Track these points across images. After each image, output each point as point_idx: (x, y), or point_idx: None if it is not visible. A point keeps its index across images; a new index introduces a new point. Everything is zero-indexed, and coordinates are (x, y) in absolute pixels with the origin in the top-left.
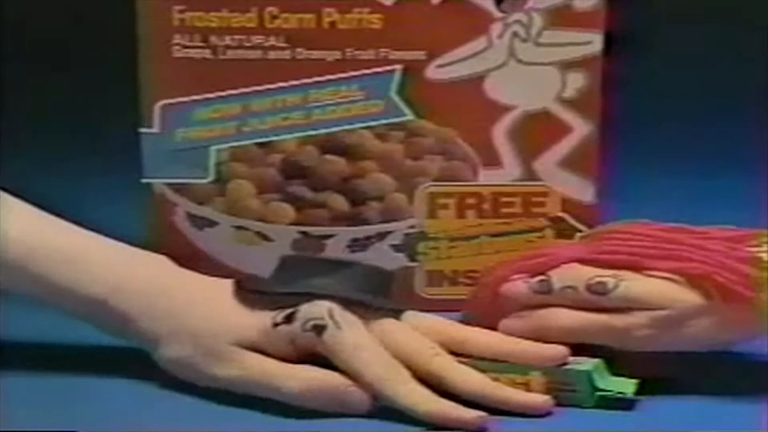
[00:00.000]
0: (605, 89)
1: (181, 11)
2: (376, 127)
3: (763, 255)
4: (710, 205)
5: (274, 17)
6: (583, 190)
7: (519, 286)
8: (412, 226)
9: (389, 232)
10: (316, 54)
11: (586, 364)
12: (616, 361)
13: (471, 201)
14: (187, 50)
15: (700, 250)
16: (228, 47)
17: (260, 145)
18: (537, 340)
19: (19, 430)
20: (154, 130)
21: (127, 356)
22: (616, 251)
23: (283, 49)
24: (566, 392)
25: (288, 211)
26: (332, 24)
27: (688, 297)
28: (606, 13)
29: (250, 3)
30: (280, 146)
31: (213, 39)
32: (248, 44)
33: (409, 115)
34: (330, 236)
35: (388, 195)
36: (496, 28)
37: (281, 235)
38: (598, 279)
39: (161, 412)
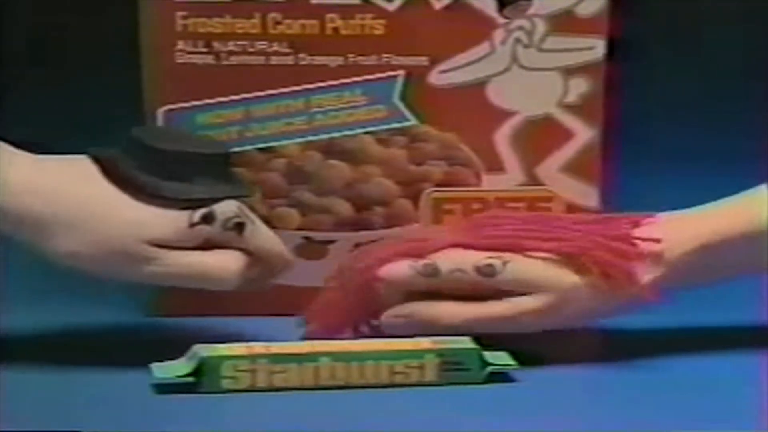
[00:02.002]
0: (608, 95)
1: (184, 17)
2: (379, 133)
3: (636, 231)
4: None
5: (277, 23)
6: (586, 195)
7: (402, 268)
8: None
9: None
10: (319, 60)
11: (463, 341)
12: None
13: (476, 206)
14: (190, 56)
15: (575, 230)
16: (231, 53)
17: (263, 150)
18: (423, 330)
19: (18, 430)
20: None
21: (124, 354)
22: (497, 235)
23: (286, 54)
24: (458, 371)
25: (293, 216)
26: (335, 30)
27: (568, 274)
28: (608, 19)
29: (253, 9)
30: (283, 151)
31: (216, 45)
32: (251, 50)
33: (412, 121)
34: (334, 241)
35: (392, 200)
36: (498, 34)
37: (286, 240)
38: (486, 261)
39: (159, 411)
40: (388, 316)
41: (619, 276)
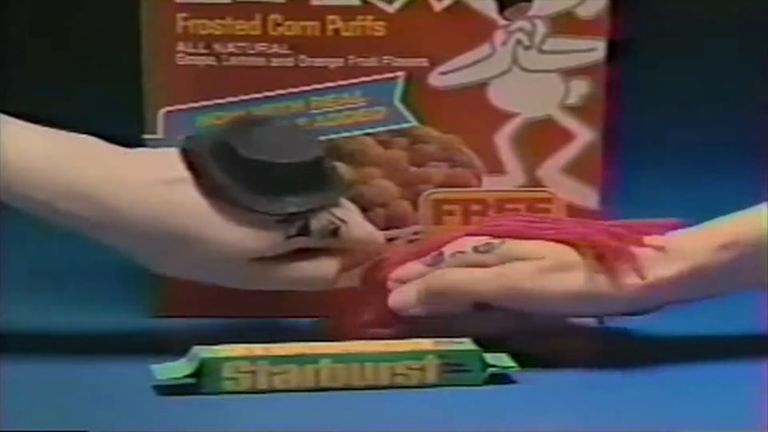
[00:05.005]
0: (608, 96)
1: (185, 19)
2: (379, 134)
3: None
4: (713, 211)
5: (278, 24)
6: (586, 197)
7: (412, 266)
8: (416, 233)
9: (393, 239)
10: (319, 61)
11: (465, 343)
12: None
13: (476, 207)
14: (190, 57)
15: (579, 225)
16: (231, 54)
17: None
18: (429, 303)
19: (19, 430)
20: (159, 136)
21: (125, 354)
22: (500, 224)
23: (286, 56)
24: (458, 372)
25: None
26: (336, 31)
27: (565, 252)
28: (609, 20)
29: (253, 10)
30: None
31: (216, 46)
32: (252, 51)
33: (413, 122)
34: None
35: (392, 201)
36: (499, 36)
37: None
38: (485, 241)
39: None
40: (396, 294)
41: (612, 256)
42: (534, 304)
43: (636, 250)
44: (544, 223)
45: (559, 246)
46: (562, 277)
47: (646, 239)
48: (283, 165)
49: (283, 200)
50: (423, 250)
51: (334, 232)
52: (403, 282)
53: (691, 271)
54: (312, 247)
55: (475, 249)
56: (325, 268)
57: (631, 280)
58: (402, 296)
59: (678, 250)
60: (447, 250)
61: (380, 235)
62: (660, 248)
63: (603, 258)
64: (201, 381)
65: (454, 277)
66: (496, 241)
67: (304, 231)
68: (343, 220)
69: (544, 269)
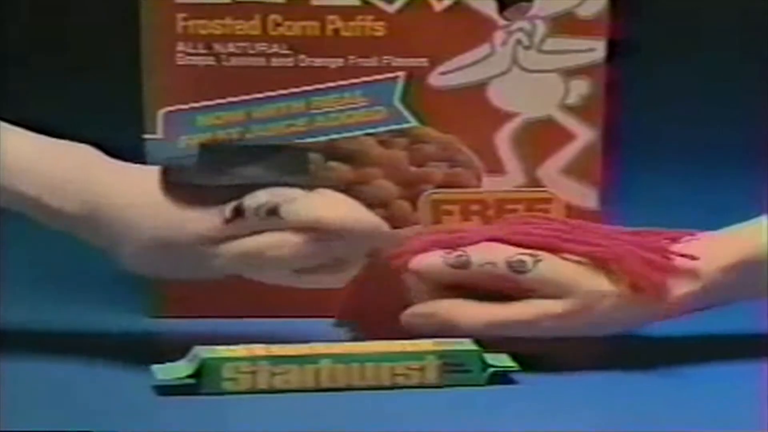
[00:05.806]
0: (608, 96)
1: (185, 19)
2: (379, 134)
3: (673, 246)
4: (713, 211)
5: (278, 24)
6: (586, 197)
7: (434, 258)
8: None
9: None
10: (319, 61)
11: (465, 343)
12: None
13: (475, 208)
14: (190, 58)
15: (611, 239)
16: (231, 54)
17: None
18: (441, 335)
19: (19, 431)
20: (159, 136)
21: (125, 354)
22: (531, 233)
23: (286, 56)
24: (459, 373)
25: None
26: (336, 31)
27: (598, 281)
28: (609, 20)
29: (253, 10)
30: None
31: (216, 46)
32: (252, 51)
33: (413, 122)
34: None
35: (392, 202)
36: (499, 36)
37: None
38: (518, 257)
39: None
40: (409, 315)
41: (648, 287)
42: (553, 336)
43: (665, 278)
44: (578, 236)
45: (593, 273)
46: (592, 313)
47: (676, 260)
48: (233, 146)
49: (230, 174)
50: (446, 240)
51: (273, 211)
52: (420, 274)
53: (709, 287)
54: (263, 229)
55: (508, 264)
56: (275, 240)
57: (658, 304)
58: (413, 320)
59: (700, 266)
60: (474, 254)
61: (366, 214)
62: (691, 271)
63: (636, 286)
64: (201, 381)
65: (474, 319)
66: (529, 258)
67: (239, 211)
68: (287, 198)
69: (571, 314)
